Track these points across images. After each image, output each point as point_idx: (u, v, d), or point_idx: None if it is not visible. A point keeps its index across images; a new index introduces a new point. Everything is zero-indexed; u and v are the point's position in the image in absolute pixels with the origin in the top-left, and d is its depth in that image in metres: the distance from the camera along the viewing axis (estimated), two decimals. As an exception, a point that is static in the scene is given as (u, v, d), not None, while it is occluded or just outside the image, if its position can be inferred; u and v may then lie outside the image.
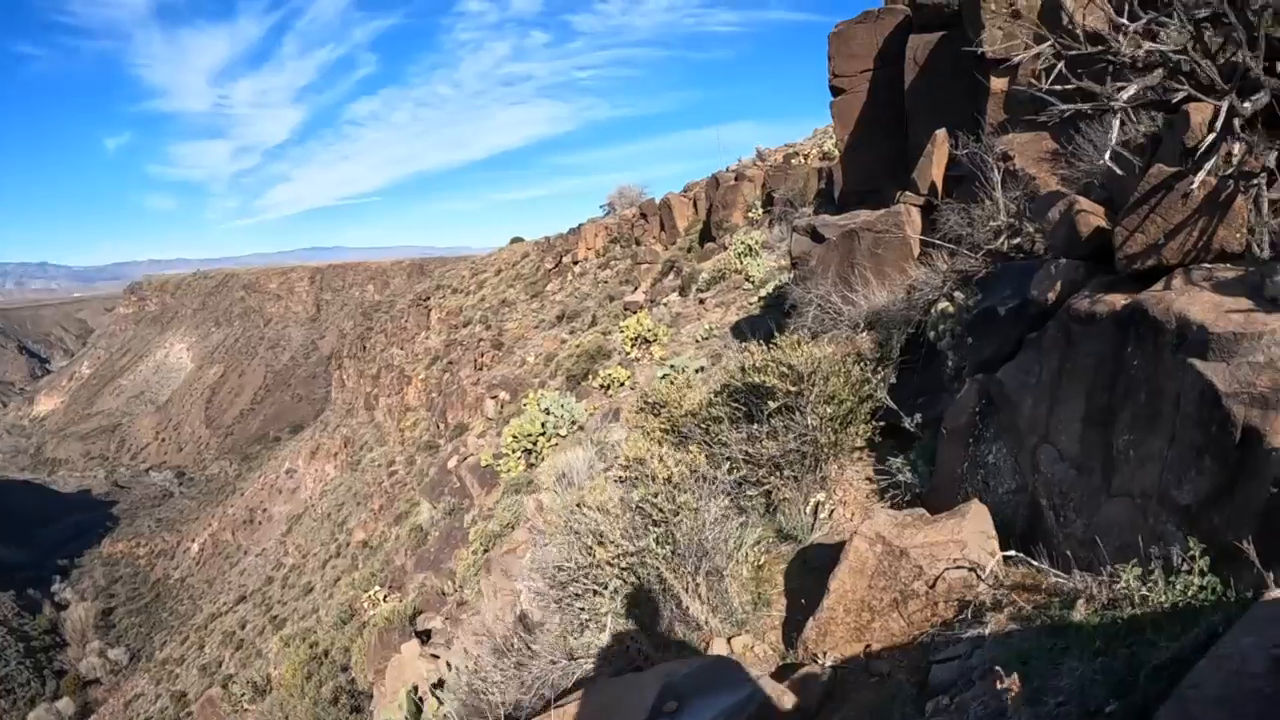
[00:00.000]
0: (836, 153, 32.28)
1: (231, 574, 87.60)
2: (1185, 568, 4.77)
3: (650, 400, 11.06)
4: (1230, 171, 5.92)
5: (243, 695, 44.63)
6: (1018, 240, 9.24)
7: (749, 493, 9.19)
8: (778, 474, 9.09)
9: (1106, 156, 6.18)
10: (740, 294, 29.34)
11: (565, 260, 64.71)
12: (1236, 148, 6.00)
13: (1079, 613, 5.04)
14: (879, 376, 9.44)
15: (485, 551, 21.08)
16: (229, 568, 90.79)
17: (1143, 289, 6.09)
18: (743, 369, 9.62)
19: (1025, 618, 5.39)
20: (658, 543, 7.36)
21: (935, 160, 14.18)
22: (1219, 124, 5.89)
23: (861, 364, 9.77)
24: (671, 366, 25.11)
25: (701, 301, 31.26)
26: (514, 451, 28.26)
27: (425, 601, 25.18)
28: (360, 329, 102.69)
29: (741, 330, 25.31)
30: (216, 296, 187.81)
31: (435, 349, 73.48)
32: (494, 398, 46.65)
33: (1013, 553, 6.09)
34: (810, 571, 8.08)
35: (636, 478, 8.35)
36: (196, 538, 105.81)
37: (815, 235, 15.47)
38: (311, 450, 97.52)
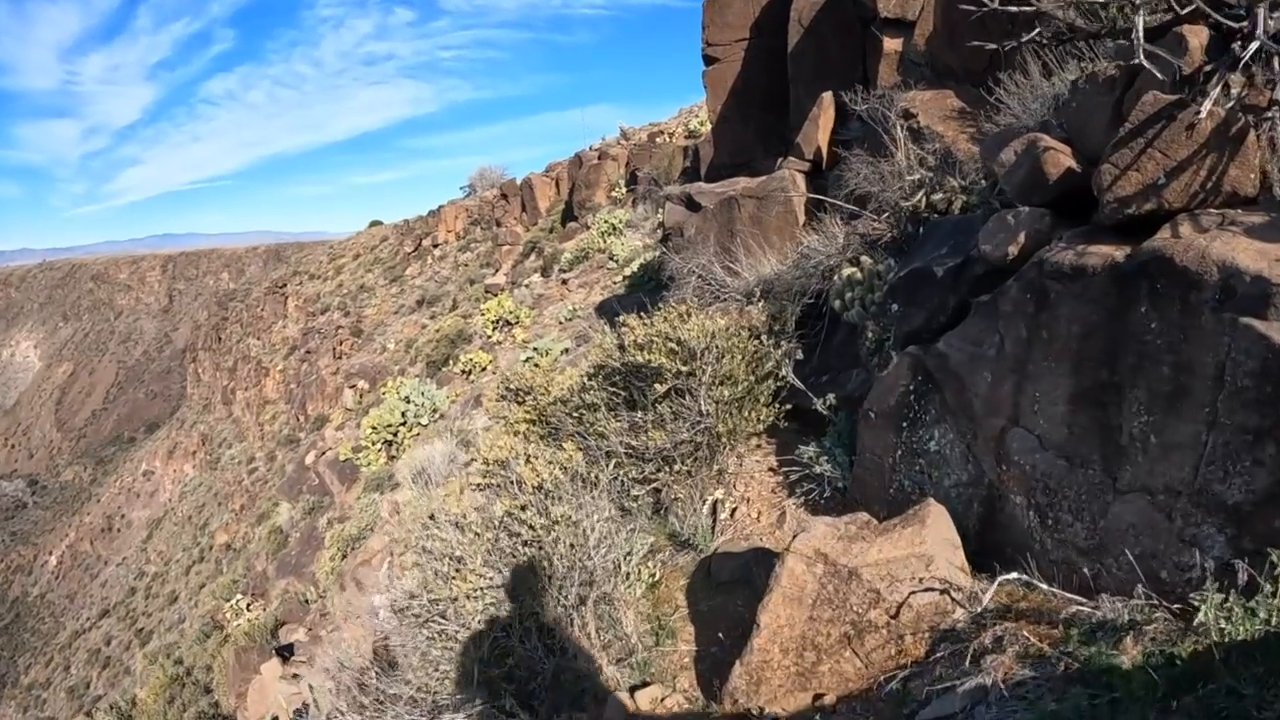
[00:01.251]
0: (702, 131, 31.10)
1: (93, 587, 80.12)
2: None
3: (513, 386, 9.29)
4: (1232, 104, 4.63)
5: (107, 723, 40.48)
6: (939, 197, 7.81)
7: (634, 491, 7.54)
8: (667, 469, 7.45)
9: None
10: (604, 274, 27.71)
11: (425, 243, 61.83)
12: (1234, 79, 4.70)
13: (1127, 653, 3.55)
14: (780, 352, 7.88)
15: (343, 557, 18.87)
16: (90, 580, 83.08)
17: (1137, 239, 4.69)
18: (621, 346, 7.96)
19: (1040, 658, 3.87)
20: (531, 570, 5.62)
21: (821, 124, 12.78)
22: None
23: (759, 338, 8.21)
24: (534, 349, 23.49)
25: (564, 282, 29.49)
26: (374, 444, 26.11)
27: (288, 611, 22.70)
28: (215, 319, 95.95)
29: (607, 310, 23.76)
30: (64, 289, 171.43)
31: (293, 338, 69.34)
32: (353, 387, 43.87)
33: (1009, 576, 4.60)
34: (719, 589, 6.49)
35: (499, 485, 6.60)
36: (54, 550, 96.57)
37: (691, 204, 13.89)
38: (169, 450, 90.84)
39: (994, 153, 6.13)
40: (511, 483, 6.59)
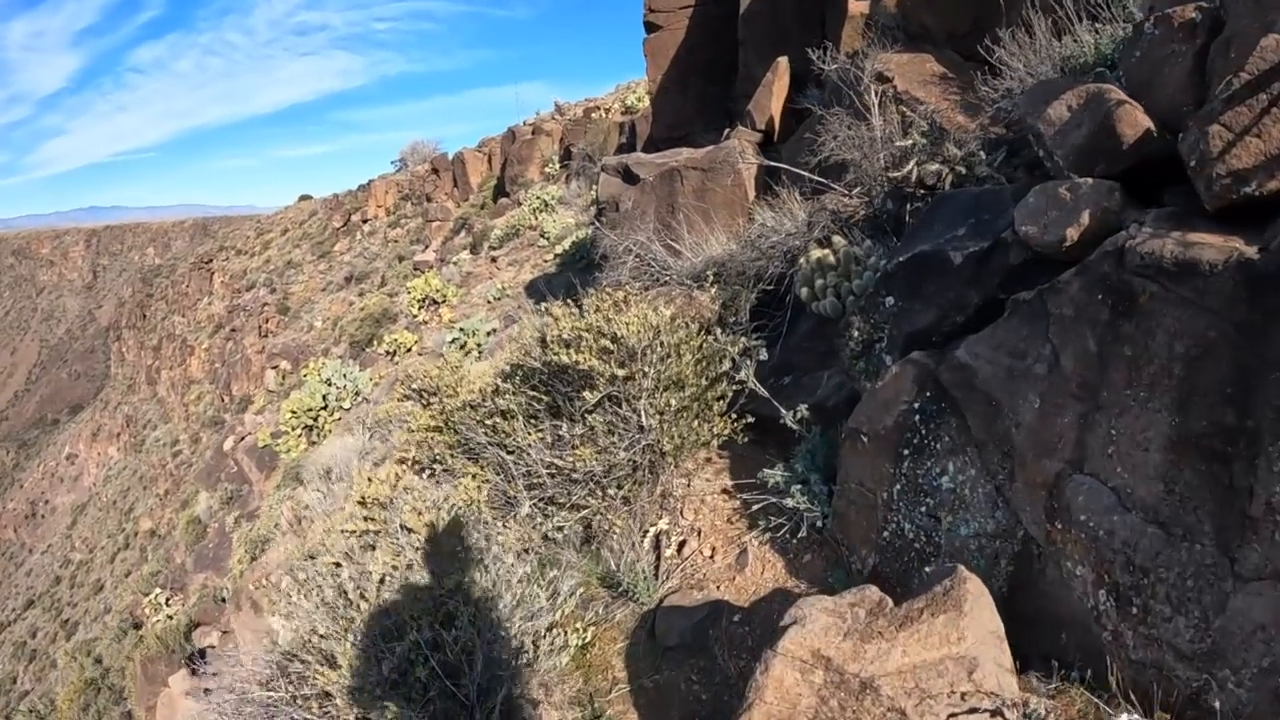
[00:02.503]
0: (639, 106, 29.41)
1: (18, 576, 74.57)
2: None
3: (417, 386, 7.59)
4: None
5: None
6: (934, 168, 6.29)
7: (559, 518, 5.93)
8: (599, 492, 5.87)
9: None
10: (535, 251, 25.93)
11: (355, 219, 59.11)
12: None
13: None
14: (738, 349, 6.28)
15: (252, 559, 16.89)
16: (14, 569, 77.38)
17: (1253, 228, 3.24)
18: (543, 341, 6.32)
19: None
20: (414, 658, 3.97)
21: (776, 91, 11.23)
22: None
23: (710, 332, 6.64)
24: (461, 329, 21.68)
25: (494, 260, 27.63)
26: (294, 429, 24.02)
27: (203, 611, 20.54)
28: (139, 296, 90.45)
29: (538, 289, 22.12)
30: None
31: (219, 315, 65.92)
32: (275, 368, 41.40)
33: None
34: (666, 657, 4.92)
35: (379, 532, 4.95)
36: None
37: (628, 175, 12.23)
38: (93, 432, 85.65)
39: (1036, 107, 4.60)
40: (394, 531, 4.97)
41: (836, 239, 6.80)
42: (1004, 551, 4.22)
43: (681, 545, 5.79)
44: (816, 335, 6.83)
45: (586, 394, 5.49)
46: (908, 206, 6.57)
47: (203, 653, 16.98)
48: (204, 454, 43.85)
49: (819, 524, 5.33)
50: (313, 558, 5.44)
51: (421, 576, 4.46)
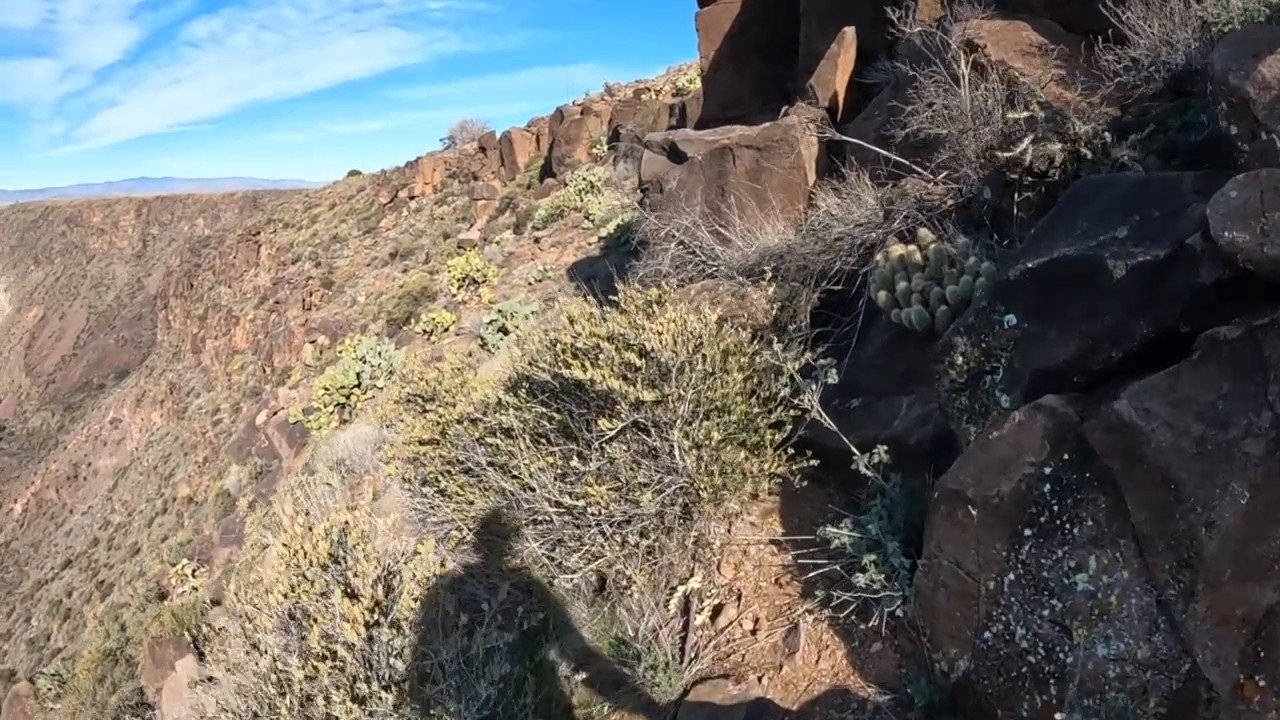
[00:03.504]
0: (690, 88, 27.94)
1: (58, 535, 74.06)
2: None
3: (414, 392, 6.34)
4: None
5: (49, 691, 36.92)
6: (1056, 148, 4.88)
7: (568, 562, 4.65)
8: (618, 537, 4.57)
9: None
10: (579, 233, 24.69)
11: (401, 195, 58.27)
12: None
13: None
14: (796, 364, 4.87)
15: (263, 550, 15.72)
16: (55, 529, 76.88)
17: None
18: (554, 349, 4.99)
19: None
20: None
21: (841, 65, 9.81)
22: None
23: (765, 341, 5.30)
24: (500, 311, 20.54)
25: (537, 240, 26.41)
26: (325, 406, 23.07)
27: (222, 590, 19.68)
28: (188, 266, 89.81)
29: (580, 272, 20.92)
30: (36, 231, 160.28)
31: (264, 287, 65.54)
32: (313, 342, 40.58)
33: None
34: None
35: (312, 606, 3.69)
36: (19, 498, 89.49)
37: (674, 153, 10.86)
38: (137, 398, 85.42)
39: (1239, 64, 3.20)
40: (332, 611, 3.73)
41: (923, 232, 5.43)
42: (1157, 687, 2.89)
43: (717, 612, 4.48)
44: (895, 350, 5.48)
45: (603, 422, 4.18)
46: (1015, 197, 5.18)
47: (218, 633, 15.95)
48: (239, 425, 43.22)
49: (895, 608, 3.99)
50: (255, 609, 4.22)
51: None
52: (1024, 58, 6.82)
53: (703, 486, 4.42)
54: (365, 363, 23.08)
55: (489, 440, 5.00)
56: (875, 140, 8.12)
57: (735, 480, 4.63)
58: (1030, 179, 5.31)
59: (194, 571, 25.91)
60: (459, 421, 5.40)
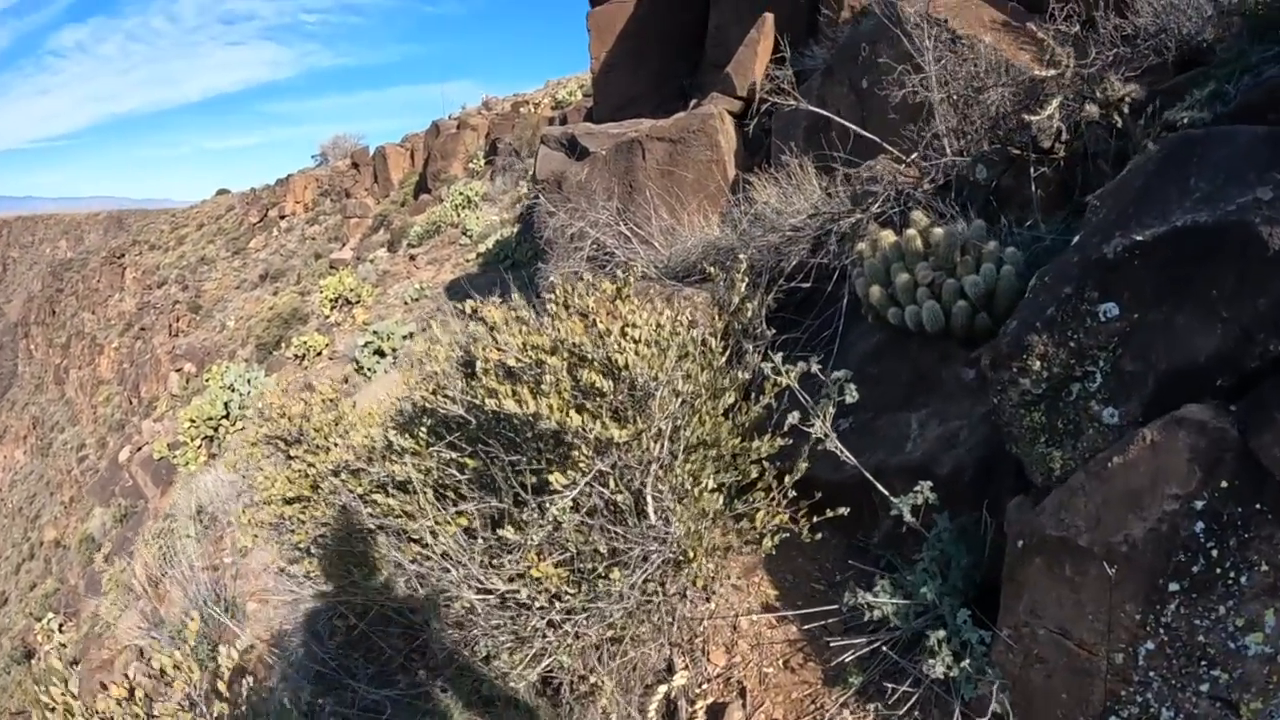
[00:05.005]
0: (571, 101, 26.77)
1: None
2: None
3: (275, 433, 4.87)
4: None
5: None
6: (1091, 109, 3.86)
7: (501, 663, 3.31)
8: (566, 626, 3.25)
9: None
10: (456, 250, 23.16)
11: (272, 214, 55.05)
12: None
13: None
14: (792, 376, 3.58)
15: (121, 614, 13.52)
16: None
17: None
18: (469, 369, 3.61)
19: None
20: None
21: (760, 52, 8.79)
22: None
23: (735, 353, 4.10)
24: (375, 332, 18.94)
25: (412, 258, 24.72)
26: (192, 440, 20.90)
27: (86, 646, 17.22)
28: (50, 291, 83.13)
29: (459, 290, 19.50)
30: None
31: (129, 313, 60.98)
32: (178, 370, 37.52)
33: None
34: None
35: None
36: None
37: (574, 149, 9.63)
38: None
39: None
40: None
41: (917, 215, 4.33)
42: None
43: (716, 716, 3.23)
44: (891, 356, 4.35)
45: (557, 477, 2.87)
46: (1031, 172, 4.15)
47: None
48: (104, 462, 39.50)
49: (967, 693, 2.84)
50: None
51: None
52: (993, 33, 5.89)
53: (691, 548, 3.17)
54: (234, 391, 21.08)
55: (377, 498, 3.62)
56: (810, 128, 7.11)
57: (726, 541, 3.39)
58: (1035, 154, 4.31)
59: (60, 626, 23.06)
60: (335, 473, 3.99)
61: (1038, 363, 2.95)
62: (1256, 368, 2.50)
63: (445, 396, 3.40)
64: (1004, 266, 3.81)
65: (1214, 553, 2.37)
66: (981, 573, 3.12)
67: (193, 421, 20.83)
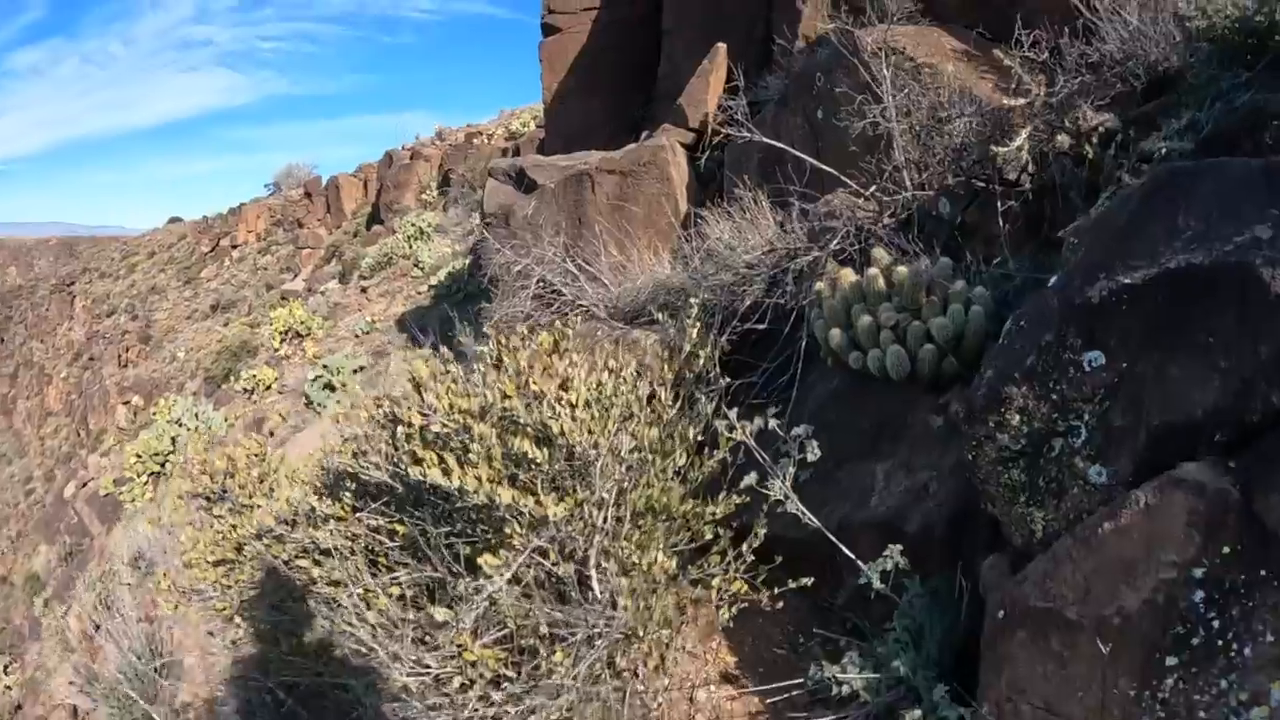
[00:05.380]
0: (525, 133, 26.50)
1: None
2: None
3: (190, 490, 4.50)
4: None
5: None
6: (1062, 139, 3.66)
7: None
8: (509, 707, 2.91)
9: None
10: (408, 282, 22.77)
11: (224, 243, 54.03)
12: None
13: None
14: (749, 430, 3.27)
15: (58, 665, 12.79)
16: None
17: None
18: (392, 432, 3.24)
19: None
20: None
21: (713, 83, 8.60)
22: None
23: (686, 400, 3.82)
24: (325, 366, 18.46)
25: (364, 290, 24.27)
26: (139, 476, 20.31)
27: (27, 693, 16.42)
28: None
29: (410, 323, 19.12)
30: None
31: (78, 342, 59.38)
32: (126, 403, 36.44)
33: None
34: None
35: None
36: None
37: (523, 181, 9.35)
38: None
39: None
40: None
41: (878, 253, 4.11)
42: None
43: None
44: (852, 402, 4.10)
45: (487, 560, 2.55)
46: (999, 206, 3.94)
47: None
48: (50, 497, 38.18)
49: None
50: None
51: None
52: (953, 62, 5.74)
53: (639, 625, 2.87)
54: (181, 426, 20.49)
55: (303, 564, 3.27)
56: (764, 160, 6.91)
57: (683, 603, 3.10)
58: (1000, 187, 4.11)
59: (5, 668, 22.10)
60: (259, 536, 3.64)
61: (1017, 417, 2.71)
62: (1257, 421, 2.29)
63: (369, 462, 3.07)
64: (972, 307, 3.59)
65: (1215, 623, 2.16)
66: (958, 639, 2.87)
67: (139, 457, 20.28)
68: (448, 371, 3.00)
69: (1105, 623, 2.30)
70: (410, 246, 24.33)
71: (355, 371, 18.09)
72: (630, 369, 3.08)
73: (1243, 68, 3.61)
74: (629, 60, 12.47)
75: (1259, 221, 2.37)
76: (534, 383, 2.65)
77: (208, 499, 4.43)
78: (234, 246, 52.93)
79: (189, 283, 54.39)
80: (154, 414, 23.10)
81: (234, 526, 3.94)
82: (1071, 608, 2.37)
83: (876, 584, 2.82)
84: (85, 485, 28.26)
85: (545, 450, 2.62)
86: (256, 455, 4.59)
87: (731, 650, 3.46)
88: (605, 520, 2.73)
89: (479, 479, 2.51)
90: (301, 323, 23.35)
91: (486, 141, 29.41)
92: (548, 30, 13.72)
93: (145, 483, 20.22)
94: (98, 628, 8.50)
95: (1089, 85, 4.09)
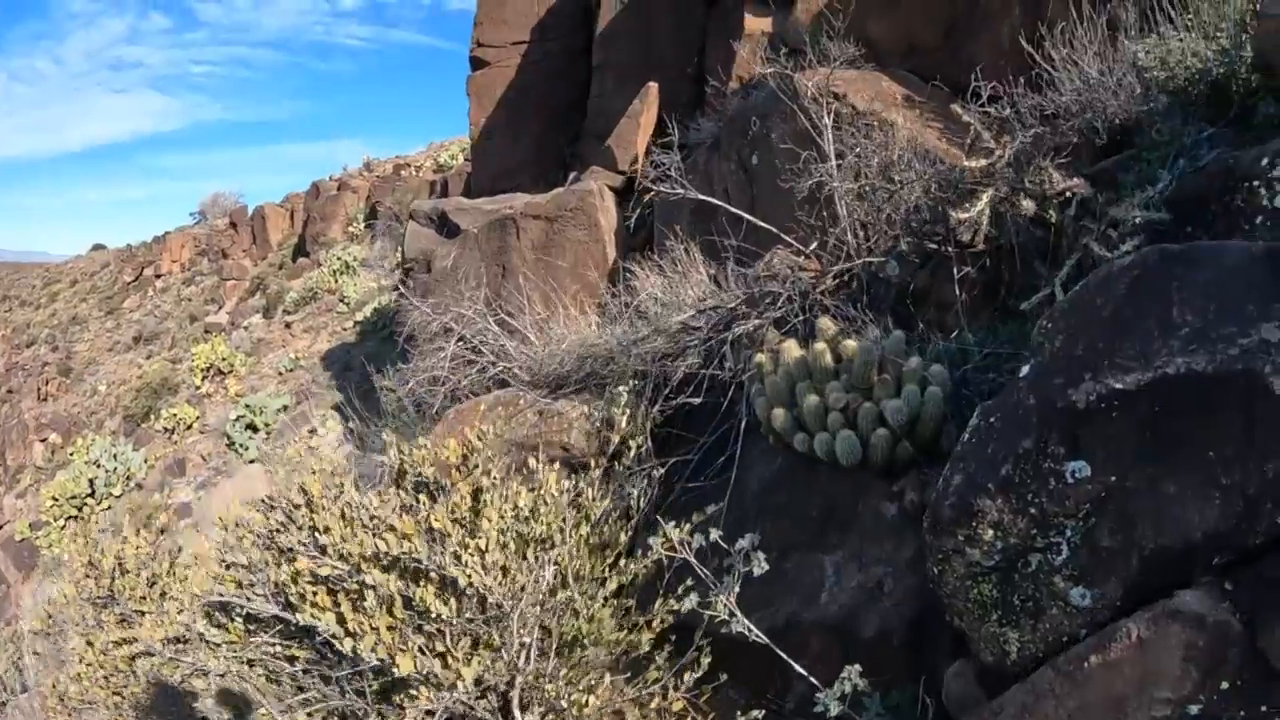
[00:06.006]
0: (454, 165, 26.00)
1: None
2: None
3: (82, 594, 3.99)
4: None
5: None
6: (1027, 205, 3.37)
7: None
8: None
9: None
10: (333, 317, 22.07)
11: (147, 273, 52.23)
12: None
13: None
14: (689, 541, 2.89)
15: None
16: None
17: None
18: (277, 564, 2.74)
19: None
20: None
21: (644, 123, 8.32)
22: None
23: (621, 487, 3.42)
24: (247, 406, 17.72)
25: (288, 325, 23.45)
26: (56, 519, 19.24)
27: None
28: None
29: (335, 360, 18.51)
30: None
31: (-4, 374, 56.89)
32: (43, 440, 34.69)
33: None
34: None
35: None
36: None
37: (445, 225, 8.91)
38: None
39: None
40: None
41: (824, 322, 3.80)
42: None
43: None
44: (796, 485, 3.76)
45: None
46: (955, 272, 3.65)
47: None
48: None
49: None
50: None
51: None
52: (896, 109, 5.50)
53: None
54: (99, 467, 19.49)
55: (198, 683, 2.80)
56: (697, 210, 6.60)
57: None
58: (954, 249, 3.83)
59: None
60: (148, 653, 3.15)
61: (990, 531, 2.39)
62: (1260, 544, 2.00)
63: (256, 594, 2.63)
64: (929, 388, 3.29)
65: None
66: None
67: (55, 500, 19.34)
68: (342, 489, 2.56)
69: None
70: (336, 280, 23.66)
71: (279, 411, 17.39)
72: (551, 483, 2.67)
73: (1205, 121, 3.38)
74: (558, 96, 12.16)
75: (1265, 319, 2.09)
76: (435, 519, 2.24)
77: (93, 605, 3.91)
78: (158, 276, 51.18)
79: (111, 313, 52.44)
80: (71, 454, 22.00)
81: (121, 640, 3.42)
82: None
83: (834, 710, 2.47)
84: (1, 528, 26.85)
85: (454, 602, 2.21)
86: (148, 556, 4.05)
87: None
88: (528, 663, 2.33)
89: (377, 632, 2.09)
90: (224, 359, 22.50)
91: (415, 174, 28.84)
92: (476, 64, 13.35)
93: (62, 527, 19.18)
94: (3, 705, 7.77)
95: (1043, 137, 3.84)
